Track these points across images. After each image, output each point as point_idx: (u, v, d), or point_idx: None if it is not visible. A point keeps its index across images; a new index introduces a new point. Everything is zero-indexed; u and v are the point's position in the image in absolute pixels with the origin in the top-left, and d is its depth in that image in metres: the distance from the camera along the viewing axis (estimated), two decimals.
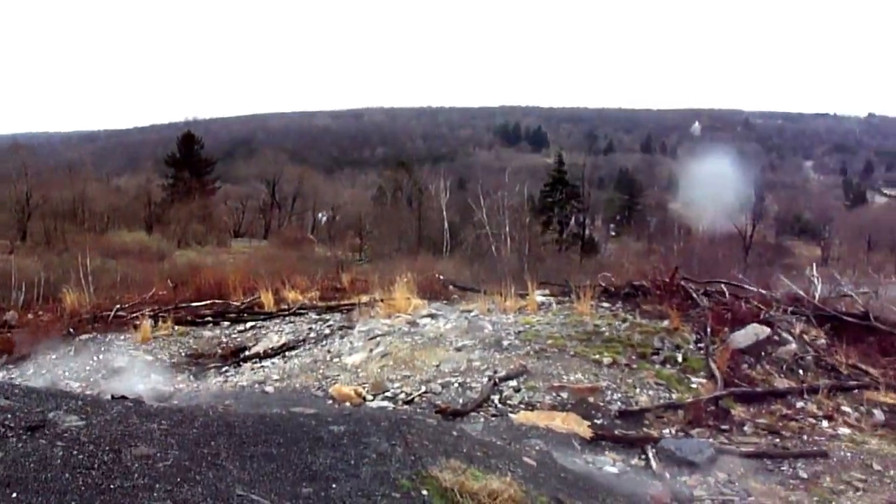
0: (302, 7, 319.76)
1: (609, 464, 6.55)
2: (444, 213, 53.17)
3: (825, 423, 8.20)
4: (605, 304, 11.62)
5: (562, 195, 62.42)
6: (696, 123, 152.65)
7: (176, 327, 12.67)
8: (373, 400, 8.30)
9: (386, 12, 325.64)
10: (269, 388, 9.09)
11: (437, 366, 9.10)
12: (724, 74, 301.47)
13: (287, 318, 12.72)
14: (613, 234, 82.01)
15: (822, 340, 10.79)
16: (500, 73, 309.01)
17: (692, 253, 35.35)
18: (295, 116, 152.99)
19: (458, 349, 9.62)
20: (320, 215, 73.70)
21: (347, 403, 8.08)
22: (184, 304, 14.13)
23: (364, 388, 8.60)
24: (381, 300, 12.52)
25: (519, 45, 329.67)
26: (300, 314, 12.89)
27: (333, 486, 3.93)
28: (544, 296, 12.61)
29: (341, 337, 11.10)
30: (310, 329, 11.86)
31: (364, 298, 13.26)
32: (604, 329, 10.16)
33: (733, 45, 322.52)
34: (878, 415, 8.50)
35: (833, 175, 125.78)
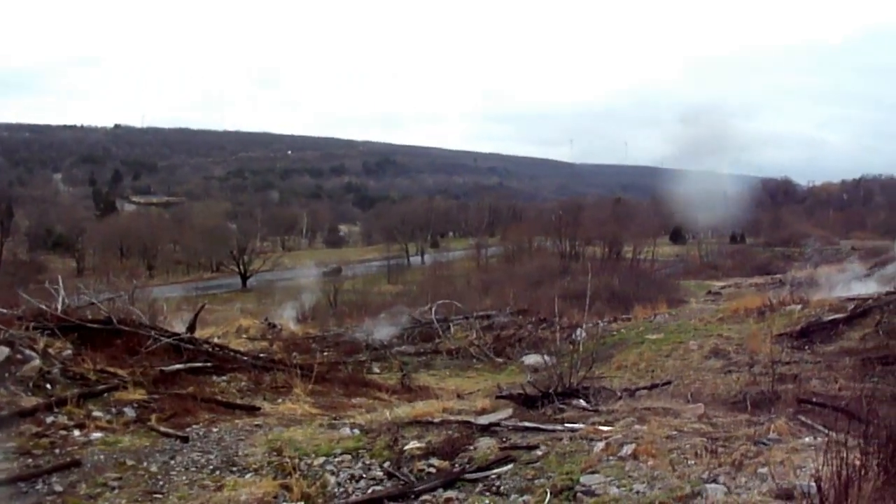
0: None
1: None
2: None
3: (77, 433, 8.33)
4: None
5: None
6: None
7: None
8: None
9: None
10: None
11: None
12: None
13: None
14: None
15: (69, 351, 11.01)
16: None
17: None
18: None
19: None
20: None
21: None
22: None
23: None
24: None
25: None
26: None
27: None
28: None
29: None
30: None
31: None
32: None
33: None
34: (130, 412, 9.21)
35: (83, 186, 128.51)
